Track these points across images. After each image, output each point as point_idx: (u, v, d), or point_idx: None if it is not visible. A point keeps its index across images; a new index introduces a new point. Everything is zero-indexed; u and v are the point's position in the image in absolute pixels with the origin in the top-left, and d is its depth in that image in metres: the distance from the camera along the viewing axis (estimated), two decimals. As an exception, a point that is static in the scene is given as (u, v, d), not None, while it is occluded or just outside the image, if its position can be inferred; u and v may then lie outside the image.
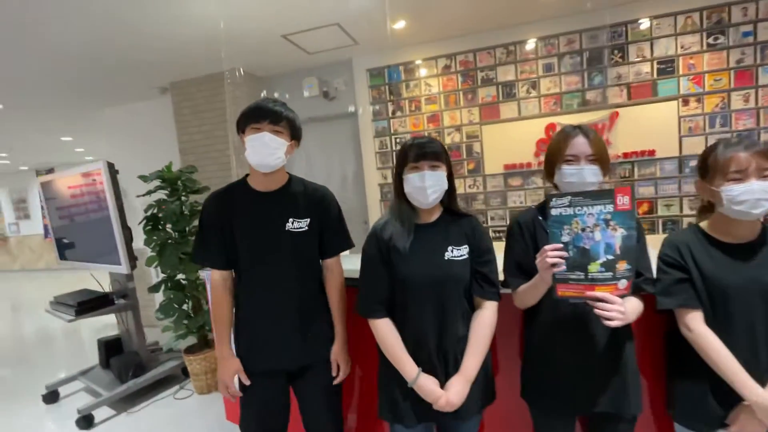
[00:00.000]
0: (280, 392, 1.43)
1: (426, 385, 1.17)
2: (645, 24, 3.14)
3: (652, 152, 3.20)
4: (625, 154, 3.24)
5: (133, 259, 2.79)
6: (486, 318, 1.21)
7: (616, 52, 3.23)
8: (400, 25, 3.17)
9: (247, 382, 1.39)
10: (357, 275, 1.31)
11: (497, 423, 1.53)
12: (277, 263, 1.36)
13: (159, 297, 3.74)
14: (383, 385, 1.28)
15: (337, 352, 1.42)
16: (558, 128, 3.21)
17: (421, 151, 1.20)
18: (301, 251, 1.38)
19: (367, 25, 3.08)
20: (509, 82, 3.48)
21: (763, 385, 1.02)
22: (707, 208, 1.18)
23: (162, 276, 2.89)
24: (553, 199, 1.01)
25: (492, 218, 3.64)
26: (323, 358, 1.43)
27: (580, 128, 1.18)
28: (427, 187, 1.18)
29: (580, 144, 1.15)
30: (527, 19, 3.30)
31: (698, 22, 3.05)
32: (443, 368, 1.21)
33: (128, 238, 2.77)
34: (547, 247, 1.01)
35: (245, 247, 1.36)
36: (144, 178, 2.87)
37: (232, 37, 3.05)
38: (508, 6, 3.03)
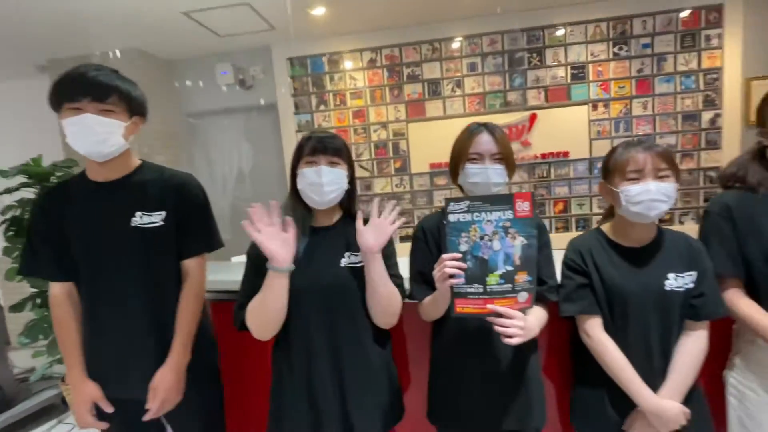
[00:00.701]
0: (151, 422, 1.18)
1: None
2: (561, 30, 3.27)
3: (566, 154, 3.34)
4: (543, 155, 3.36)
5: (-12, 272, 2.28)
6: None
7: (534, 55, 3.32)
8: (319, 11, 2.96)
9: (109, 410, 1.13)
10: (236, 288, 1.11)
11: None
12: (124, 269, 1.11)
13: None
14: (274, 408, 1.12)
15: (160, 380, 1.11)
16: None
17: (319, 145, 1.05)
18: (155, 252, 1.13)
19: (283, 9, 2.83)
20: (435, 80, 3.44)
21: (655, 390, 1.01)
22: (610, 212, 1.16)
23: (30, 292, 2.40)
24: (451, 204, 0.91)
25: (419, 217, 3.59)
26: (189, 382, 1.19)
27: (485, 126, 1.10)
28: (324, 183, 1.03)
29: (484, 142, 1.07)
30: (451, 15, 3.27)
31: (606, 31, 3.24)
32: (339, 396, 1.05)
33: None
34: (444, 256, 0.91)
35: (81, 251, 1.10)
36: (3, 173, 2.35)
37: (126, 12, 2.64)
38: (431, 0, 2.97)
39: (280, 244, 0.97)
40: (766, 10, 3.10)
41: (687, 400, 1.01)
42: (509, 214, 0.89)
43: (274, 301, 0.99)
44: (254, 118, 3.75)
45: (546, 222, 3.43)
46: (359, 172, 3.59)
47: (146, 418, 1.12)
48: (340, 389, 1.05)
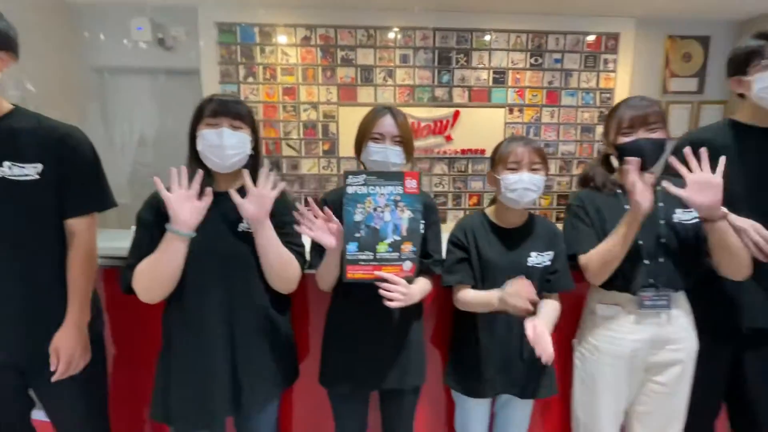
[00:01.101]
0: (7, 388, 1.12)
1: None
2: (487, 36, 3.50)
3: (483, 151, 3.62)
4: (463, 151, 3.60)
5: None
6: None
7: (462, 55, 3.52)
8: (253, -23, 2.84)
9: None
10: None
11: (301, 410, 1.48)
12: None
13: None
14: (159, 383, 1.12)
15: (60, 339, 1.08)
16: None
17: (221, 107, 1.05)
18: (27, 208, 1.05)
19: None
20: (368, 66, 3.49)
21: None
22: (495, 198, 1.34)
23: None
24: (350, 177, 1.00)
25: (344, 201, 3.65)
26: None
27: (390, 109, 1.19)
28: (225, 146, 1.03)
29: (387, 124, 1.15)
30: (390, 4, 3.33)
31: (525, 42, 3.54)
32: (229, 360, 1.08)
33: None
34: (312, 207, 1.01)
35: None
36: None
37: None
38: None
39: (189, 209, 0.98)
40: (651, 42, 3.64)
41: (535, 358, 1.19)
42: (399, 190, 1.01)
43: (167, 264, 0.99)
44: (172, 81, 3.48)
45: (461, 213, 3.71)
46: (285, 151, 3.55)
47: (53, 379, 1.07)
48: (232, 350, 1.08)
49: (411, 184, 1.01)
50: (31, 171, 1.03)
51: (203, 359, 1.06)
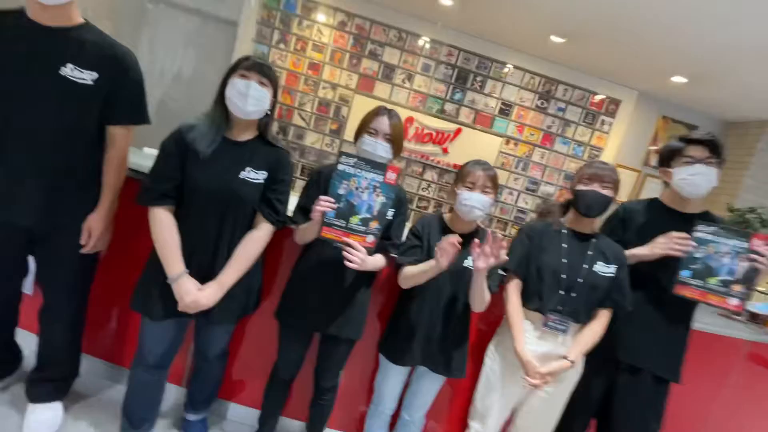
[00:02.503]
0: (15, 248, 1.29)
1: (184, 284, 1.20)
2: (507, 68, 3.78)
3: (472, 171, 3.90)
4: (455, 165, 3.89)
5: None
6: (256, 235, 1.28)
7: (478, 79, 3.80)
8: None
9: None
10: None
11: (252, 335, 1.70)
12: (39, 112, 1.15)
13: None
14: (145, 278, 1.30)
15: (94, 219, 1.29)
16: (413, 122, 3.70)
17: (255, 65, 1.22)
18: (73, 105, 1.18)
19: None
20: (391, 65, 3.73)
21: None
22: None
23: None
24: (343, 156, 1.22)
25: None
26: (71, 224, 1.29)
27: (389, 111, 1.37)
28: (249, 95, 1.19)
29: (383, 122, 1.34)
30: (425, 15, 3.57)
31: (536, 85, 3.83)
32: (205, 273, 1.24)
33: None
34: (322, 197, 1.22)
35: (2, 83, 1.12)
36: None
37: None
38: (412, -5, 3.23)
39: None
40: (646, 117, 3.97)
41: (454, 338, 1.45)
42: (380, 178, 1.23)
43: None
44: (211, 26, 3.66)
45: (438, 220, 3.98)
46: (296, 120, 3.77)
47: (83, 251, 1.29)
48: (213, 269, 1.25)
49: (391, 176, 1.23)
50: (87, 77, 1.17)
51: (188, 266, 1.23)
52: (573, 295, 1.40)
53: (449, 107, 3.83)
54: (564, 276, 1.41)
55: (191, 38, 3.67)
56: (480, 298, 1.35)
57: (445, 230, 1.48)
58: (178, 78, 3.65)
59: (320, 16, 3.62)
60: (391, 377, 1.52)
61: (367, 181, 1.23)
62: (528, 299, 1.46)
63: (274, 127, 1.35)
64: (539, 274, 1.44)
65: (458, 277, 1.42)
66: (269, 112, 1.30)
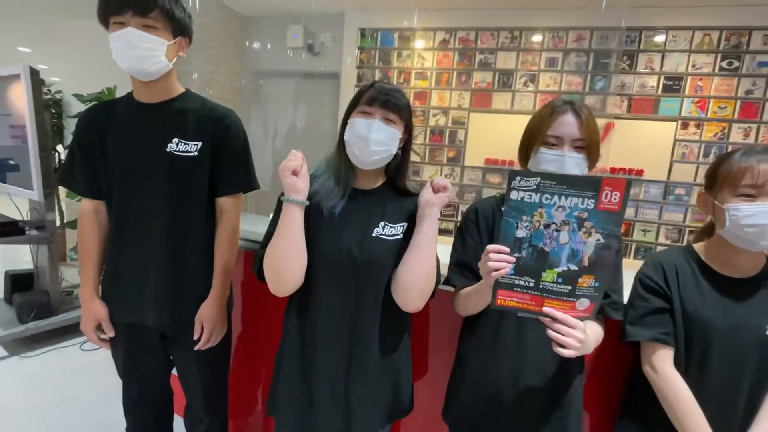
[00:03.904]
0: (150, 347, 1.20)
1: None
2: (661, 36, 2.91)
3: (640, 172, 3.01)
4: (612, 169, 3.05)
5: (51, 185, 2.44)
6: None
7: (624, 58, 2.99)
8: (399, -19, 2.85)
9: (110, 333, 1.16)
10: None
11: None
12: (153, 193, 1.10)
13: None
14: (277, 375, 1.07)
15: (205, 311, 1.15)
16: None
17: (379, 96, 0.93)
18: (184, 181, 1.11)
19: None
20: (508, 71, 3.21)
21: None
22: (708, 229, 0.97)
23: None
24: (517, 178, 0.75)
25: (462, 213, 3.42)
26: (193, 317, 1.18)
27: (571, 104, 0.93)
28: (371, 139, 0.91)
29: (567, 124, 0.90)
30: (538, 4, 3.02)
31: (716, 41, 2.84)
32: (342, 380, 0.97)
33: (48, 161, 2.41)
34: (490, 247, 0.76)
35: (115, 169, 1.11)
36: (80, 98, 2.50)
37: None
38: (520, -17, 2.75)
39: (305, 179, 0.93)
40: None
41: None
42: (590, 204, 0.72)
43: (286, 238, 0.91)
44: (316, 83, 3.73)
45: (601, 242, 3.14)
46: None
47: (197, 348, 1.16)
48: (346, 373, 0.97)
49: (612, 197, 0.71)
50: (192, 148, 1.10)
51: (311, 373, 0.98)
52: None
53: (591, 101, 3.07)
54: None
55: (299, 97, 3.78)
56: None
57: (708, 275, 0.90)
58: (286, 136, 3.73)
59: (418, 43, 3.36)
60: None
61: (564, 211, 0.74)
62: None
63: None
64: None
65: (760, 352, 0.86)
66: (400, 152, 0.99)
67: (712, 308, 0.86)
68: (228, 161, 1.15)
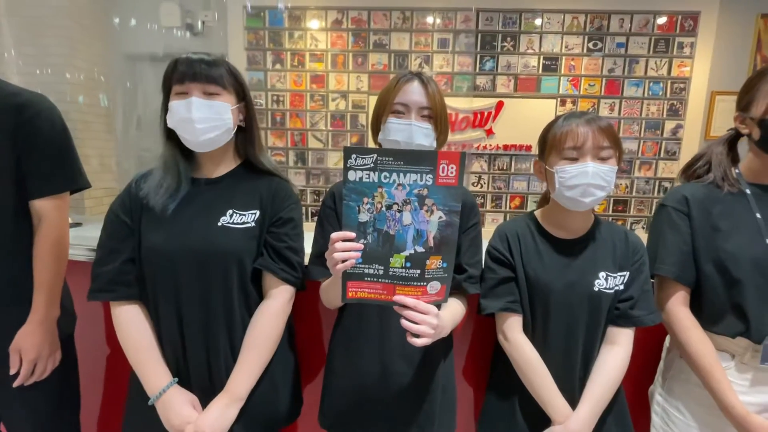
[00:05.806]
0: None
1: (173, 403, 0.83)
2: (538, 19, 3.10)
3: (528, 147, 3.22)
4: (505, 146, 3.22)
5: None
6: (272, 309, 0.89)
7: (508, 39, 3.15)
8: (280, -46, 2.64)
9: None
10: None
11: None
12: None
13: None
14: (130, 405, 0.93)
15: (24, 336, 0.94)
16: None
17: (189, 70, 0.83)
18: None
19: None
20: (402, 52, 3.20)
21: (573, 404, 0.88)
22: (547, 196, 1.01)
23: None
24: (353, 156, 0.68)
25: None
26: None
27: (418, 75, 0.91)
28: (195, 119, 0.82)
29: (413, 92, 0.88)
30: (427, -16, 3.03)
31: (582, 24, 3.11)
32: (203, 383, 0.88)
33: None
34: (334, 235, 0.70)
35: None
36: None
37: None
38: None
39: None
40: (739, 23, 3.08)
41: (607, 414, 0.90)
42: (429, 179, 0.68)
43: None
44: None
45: (500, 217, 3.33)
46: (312, 143, 3.33)
47: (15, 384, 0.93)
48: (209, 376, 0.87)
49: (448, 171, 0.68)
50: None
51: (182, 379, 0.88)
52: None
53: (481, 81, 3.20)
54: None
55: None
56: None
57: (547, 238, 0.93)
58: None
59: (312, 23, 3.19)
60: None
61: (404, 189, 0.69)
62: (717, 319, 0.88)
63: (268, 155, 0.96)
64: (726, 274, 0.87)
65: (589, 307, 0.89)
66: (241, 125, 0.91)
67: (550, 270, 0.90)
68: (39, 156, 0.93)
